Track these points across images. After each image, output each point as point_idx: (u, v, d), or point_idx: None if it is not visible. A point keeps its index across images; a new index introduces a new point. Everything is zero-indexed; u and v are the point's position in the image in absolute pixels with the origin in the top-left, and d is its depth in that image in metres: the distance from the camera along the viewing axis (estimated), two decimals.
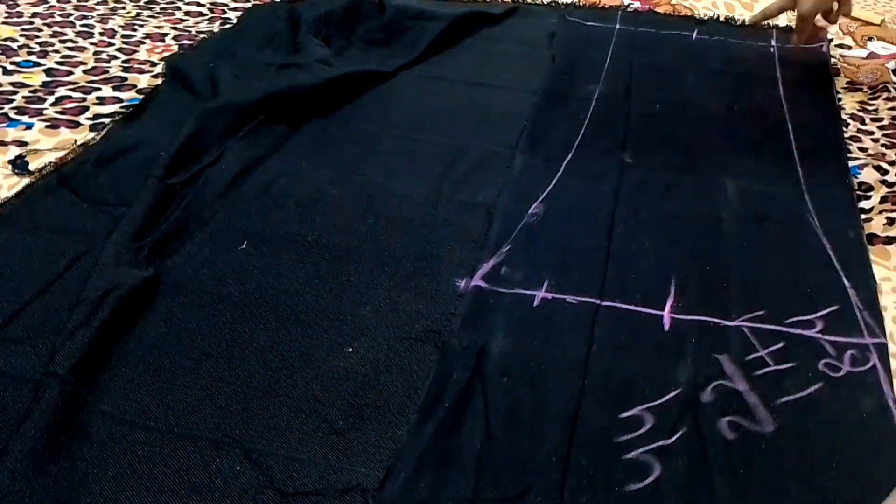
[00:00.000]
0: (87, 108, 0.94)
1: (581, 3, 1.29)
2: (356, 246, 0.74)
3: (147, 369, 0.60)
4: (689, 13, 1.26)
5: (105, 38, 1.14)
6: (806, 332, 0.64)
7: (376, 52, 1.12)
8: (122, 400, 0.58)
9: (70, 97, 0.97)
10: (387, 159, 0.88)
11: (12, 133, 0.88)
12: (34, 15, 1.20)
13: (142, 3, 1.28)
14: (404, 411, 0.58)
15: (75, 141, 0.87)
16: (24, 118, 0.91)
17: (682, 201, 0.81)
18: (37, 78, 1.01)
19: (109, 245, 0.69)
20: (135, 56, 1.09)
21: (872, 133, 0.94)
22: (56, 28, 1.16)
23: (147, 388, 0.59)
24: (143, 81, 1.02)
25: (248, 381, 0.60)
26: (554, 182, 0.83)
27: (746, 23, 1.10)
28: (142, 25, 1.19)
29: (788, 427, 0.57)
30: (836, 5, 1.10)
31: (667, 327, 0.65)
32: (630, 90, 1.03)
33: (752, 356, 0.62)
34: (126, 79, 1.02)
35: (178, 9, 1.27)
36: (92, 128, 0.90)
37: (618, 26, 1.21)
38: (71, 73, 1.03)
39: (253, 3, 1.29)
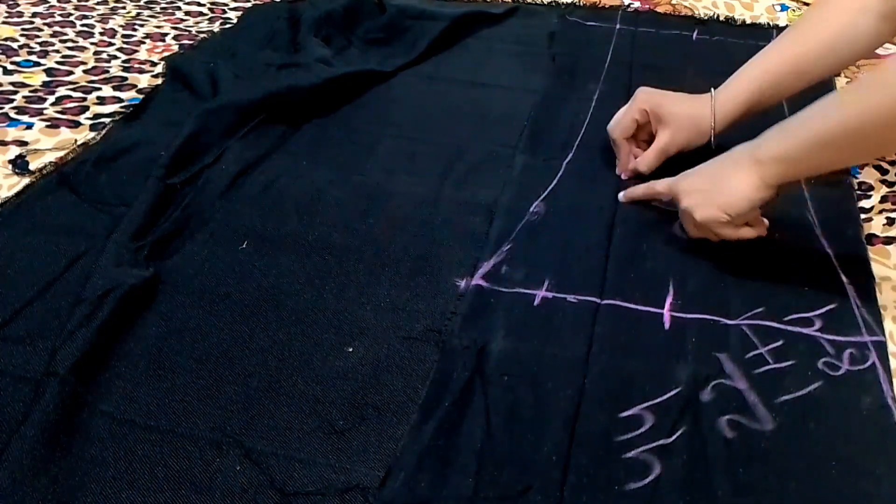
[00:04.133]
0: (87, 108, 0.94)
1: (581, 3, 1.29)
2: (356, 246, 0.74)
3: (147, 369, 0.60)
4: (690, 13, 1.26)
5: (105, 38, 1.14)
6: (805, 330, 0.64)
7: (376, 52, 1.12)
8: (122, 399, 0.58)
9: (70, 97, 0.97)
10: (387, 159, 0.88)
11: (12, 133, 0.88)
12: (34, 15, 1.20)
13: (142, 3, 1.28)
14: (405, 411, 0.58)
15: (75, 140, 0.87)
16: (25, 118, 0.91)
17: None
18: (37, 78, 1.01)
19: (110, 245, 0.69)
20: (135, 56, 1.09)
21: None
22: (56, 28, 1.16)
23: (147, 387, 0.59)
24: (144, 81, 1.02)
25: (249, 381, 0.60)
26: (555, 181, 0.83)
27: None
28: (142, 25, 1.19)
29: (788, 425, 0.57)
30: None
31: (667, 326, 0.65)
32: (630, 90, 1.03)
33: (751, 354, 0.62)
34: (126, 78, 1.02)
35: (179, 8, 1.27)
36: (92, 127, 0.90)
37: (618, 26, 1.21)
38: (71, 72, 1.03)
39: (253, 2, 1.29)
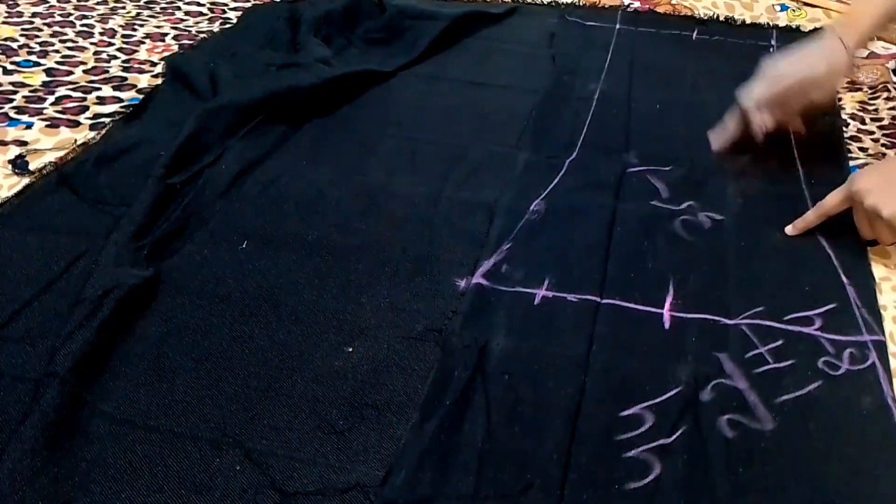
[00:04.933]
0: (87, 108, 0.94)
1: (581, 3, 1.29)
2: (356, 246, 0.74)
3: (147, 369, 0.60)
4: (689, 13, 1.26)
5: (105, 38, 1.14)
6: (805, 330, 0.64)
7: (376, 52, 1.12)
8: (122, 400, 0.58)
9: (70, 97, 0.97)
10: (387, 159, 0.88)
11: (12, 132, 0.88)
12: (34, 15, 1.20)
13: (142, 3, 1.28)
14: (405, 410, 0.58)
15: (75, 140, 0.87)
16: (24, 117, 0.91)
17: (682, 199, 0.80)
18: (37, 78, 1.01)
19: (110, 245, 0.69)
20: (135, 56, 1.09)
21: (872, 133, 0.94)
22: (56, 28, 1.16)
23: (147, 387, 0.59)
24: (144, 81, 1.02)
25: (249, 381, 0.60)
26: (556, 180, 0.83)
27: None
28: (142, 25, 1.19)
29: (788, 425, 0.57)
30: None
31: (667, 325, 0.65)
32: (631, 90, 1.03)
33: (751, 353, 0.62)
34: (126, 78, 1.02)
35: (178, 8, 1.27)
36: (92, 127, 0.90)
37: (618, 26, 1.22)
38: (71, 72, 1.03)
39: (253, 2, 1.29)
